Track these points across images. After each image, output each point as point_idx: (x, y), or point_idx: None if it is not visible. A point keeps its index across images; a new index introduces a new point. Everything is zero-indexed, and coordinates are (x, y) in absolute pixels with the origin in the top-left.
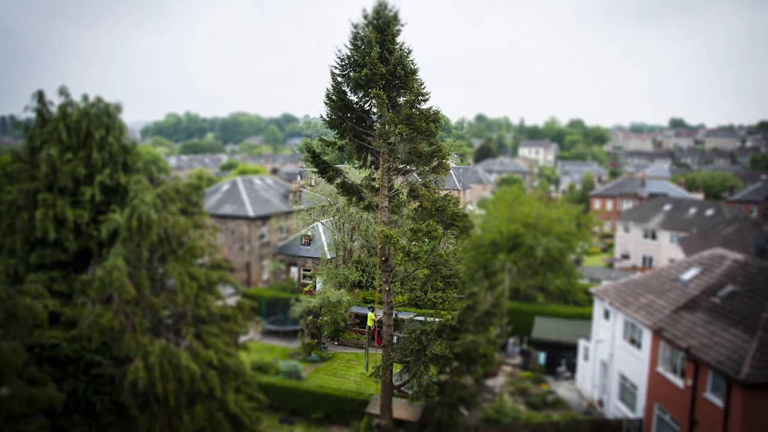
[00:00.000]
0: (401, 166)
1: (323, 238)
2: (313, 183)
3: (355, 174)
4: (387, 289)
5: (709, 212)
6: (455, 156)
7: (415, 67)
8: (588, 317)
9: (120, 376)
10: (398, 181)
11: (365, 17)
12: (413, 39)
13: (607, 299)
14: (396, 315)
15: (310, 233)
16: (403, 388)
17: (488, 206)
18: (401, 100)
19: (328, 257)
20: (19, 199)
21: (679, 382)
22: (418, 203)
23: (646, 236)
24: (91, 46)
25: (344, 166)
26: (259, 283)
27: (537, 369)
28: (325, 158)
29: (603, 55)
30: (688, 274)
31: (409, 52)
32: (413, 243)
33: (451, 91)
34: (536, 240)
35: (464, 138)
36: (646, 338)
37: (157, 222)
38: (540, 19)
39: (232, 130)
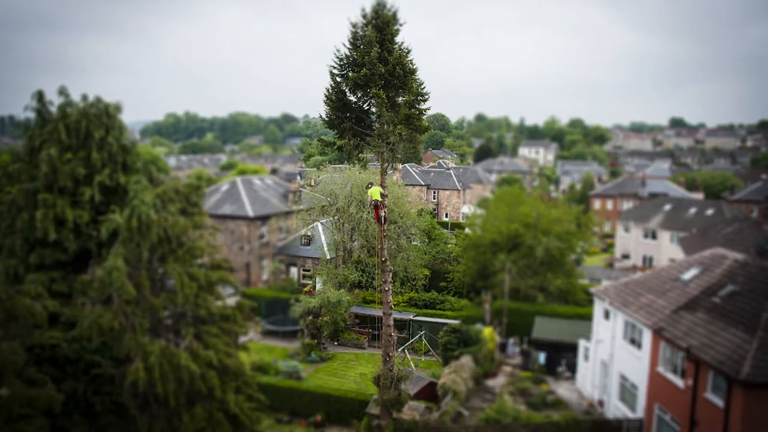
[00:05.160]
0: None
1: (323, 238)
2: (312, 183)
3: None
4: (387, 289)
5: (710, 212)
6: (455, 156)
7: (414, 66)
8: (588, 317)
9: (120, 377)
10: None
11: (364, 17)
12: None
13: (607, 299)
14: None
15: (310, 233)
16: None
17: (488, 206)
18: (400, 99)
19: (328, 257)
20: (19, 199)
21: (679, 382)
22: None
23: (646, 236)
24: (90, 47)
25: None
26: (258, 283)
27: (537, 369)
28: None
29: (605, 55)
30: (689, 274)
31: (408, 51)
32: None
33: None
34: (536, 240)
35: (464, 138)
36: (647, 338)
37: (157, 222)
38: (538, 18)
39: (232, 130)
